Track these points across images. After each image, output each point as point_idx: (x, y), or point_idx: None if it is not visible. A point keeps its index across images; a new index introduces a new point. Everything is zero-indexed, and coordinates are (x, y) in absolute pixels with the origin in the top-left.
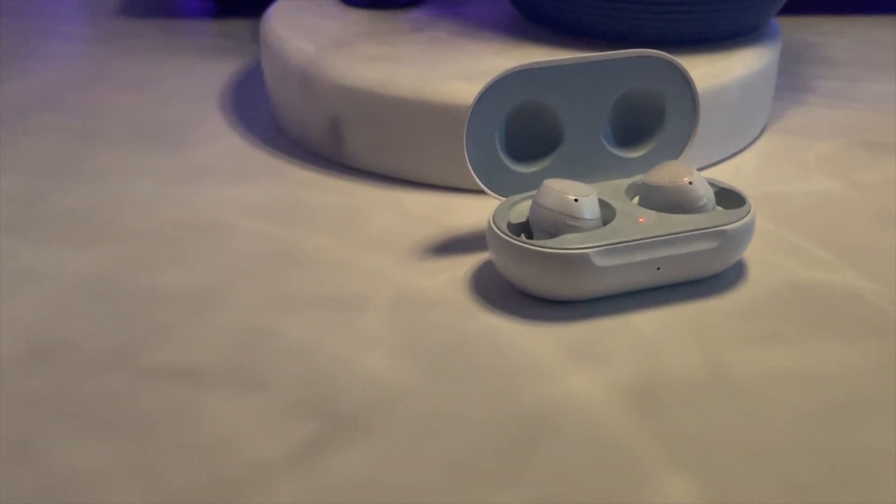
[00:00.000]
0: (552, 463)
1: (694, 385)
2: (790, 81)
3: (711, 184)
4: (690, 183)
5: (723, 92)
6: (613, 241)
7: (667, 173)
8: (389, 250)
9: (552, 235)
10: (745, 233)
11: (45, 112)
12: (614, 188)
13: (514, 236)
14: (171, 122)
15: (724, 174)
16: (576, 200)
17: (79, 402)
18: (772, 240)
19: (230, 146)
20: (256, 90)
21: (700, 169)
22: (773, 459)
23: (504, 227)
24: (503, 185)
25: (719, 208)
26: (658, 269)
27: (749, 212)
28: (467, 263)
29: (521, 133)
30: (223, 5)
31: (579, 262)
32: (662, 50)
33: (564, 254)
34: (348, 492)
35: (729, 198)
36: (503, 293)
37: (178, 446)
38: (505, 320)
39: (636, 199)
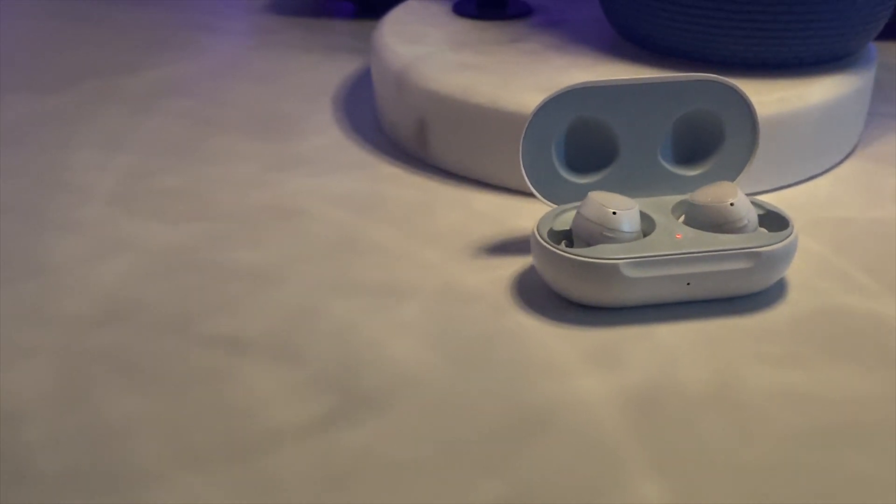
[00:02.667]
0: (539, 456)
1: (697, 397)
2: (891, 108)
3: (759, 206)
4: (732, 204)
5: (796, 117)
6: (645, 255)
7: (711, 193)
8: (447, 245)
9: (590, 245)
10: (782, 256)
11: (174, 98)
12: (662, 204)
13: (552, 243)
14: (284, 114)
15: (797, 197)
16: (614, 213)
17: (134, 358)
18: (821, 264)
19: (331, 140)
20: (369, 90)
21: (772, 191)
22: (753, 474)
23: (545, 233)
24: (558, 194)
25: (763, 230)
26: (688, 284)
27: (788, 236)
28: (517, 264)
29: (579, 146)
30: (362, 7)
31: (610, 272)
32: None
33: (596, 262)
34: (345, 463)
35: (775, 221)
36: (541, 295)
37: (208, 406)
38: (536, 320)
39: (683, 216)
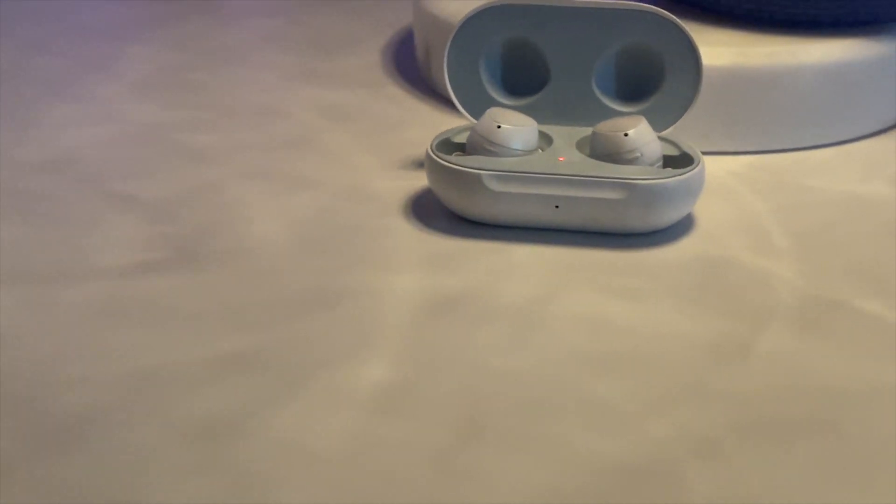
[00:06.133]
0: (299, 324)
1: (499, 309)
2: None
3: (675, 146)
4: (626, 135)
5: (783, 76)
6: (510, 169)
7: (612, 124)
8: (388, 155)
9: None
10: (665, 194)
11: (261, 17)
12: (577, 133)
13: (434, 150)
14: (348, 38)
15: (778, 162)
16: (499, 127)
17: (45, 198)
18: (746, 221)
19: (365, 62)
20: None
21: (756, 153)
22: (474, 370)
23: (437, 142)
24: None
25: (669, 169)
26: (557, 207)
27: (676, 175)
28: None
29: (515, 68)
30: None
31: (473, 182)
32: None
33: (460, 171)
34: (126, 304)
35: (686, 162)
36: (431, 206)
37: (66, 241)
38: (409, 224)
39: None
